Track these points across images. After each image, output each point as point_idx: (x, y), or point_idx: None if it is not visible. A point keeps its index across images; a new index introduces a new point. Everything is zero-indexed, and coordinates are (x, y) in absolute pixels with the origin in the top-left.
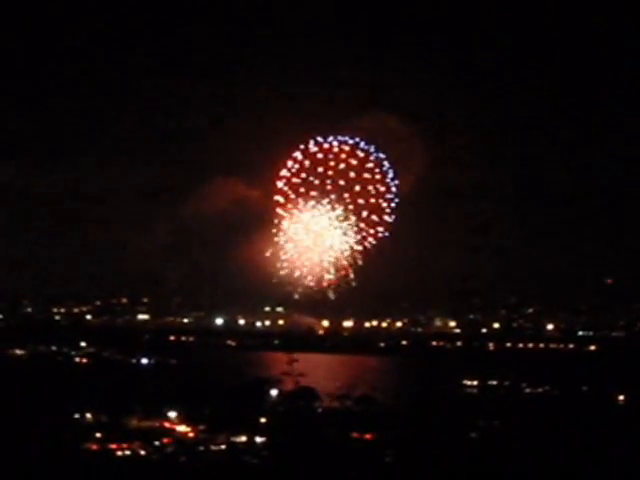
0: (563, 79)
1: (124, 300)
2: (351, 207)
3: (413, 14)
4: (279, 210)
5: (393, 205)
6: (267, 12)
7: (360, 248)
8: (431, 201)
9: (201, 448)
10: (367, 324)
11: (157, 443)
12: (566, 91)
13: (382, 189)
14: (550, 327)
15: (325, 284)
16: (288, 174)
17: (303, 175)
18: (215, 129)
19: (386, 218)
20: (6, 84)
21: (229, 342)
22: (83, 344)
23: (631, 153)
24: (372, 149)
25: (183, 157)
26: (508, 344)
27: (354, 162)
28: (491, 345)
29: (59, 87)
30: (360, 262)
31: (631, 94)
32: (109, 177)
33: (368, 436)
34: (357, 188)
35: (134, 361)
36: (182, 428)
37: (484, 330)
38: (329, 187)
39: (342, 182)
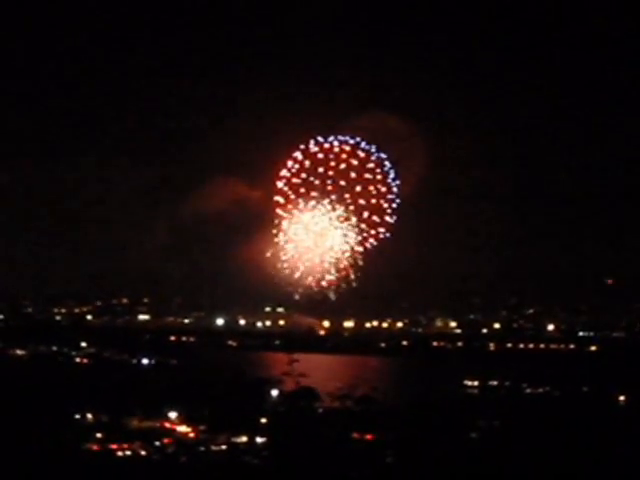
0: (563, 79)
1: (124, 300)
2: (352, 207)
3: (413, 14)
4: (279, 210)
5: (394, 206)
6: (267, 12)
7: (361, 249)
8: (431, 201)
9: (202, 448)
10: (368, 324)
11: (158, 443)
12: (566, 91)
13: (383, 189)
14: (551, 327)
15: (326, 284)
16: (288, 174)
17: (303, 175)
18: (215, 129)
19: (387, 219)
20: (6, 84)
21: (230, 342)
22: (84, 344)
23: (631, 153)
24: (373, 149)
25: (183, 157)
26: (509, 344)
27: (355, 162)
28: (492, 345)
29: (59, 87)
30: (361, 262)
31: (631, 94)
32: (109, 177)
33: (369, 436)
34: (358, 188)
35: (135, 361)
36: (183, 428)
37: (485, 330)
38: (330, 187)
39: (343, 182)
